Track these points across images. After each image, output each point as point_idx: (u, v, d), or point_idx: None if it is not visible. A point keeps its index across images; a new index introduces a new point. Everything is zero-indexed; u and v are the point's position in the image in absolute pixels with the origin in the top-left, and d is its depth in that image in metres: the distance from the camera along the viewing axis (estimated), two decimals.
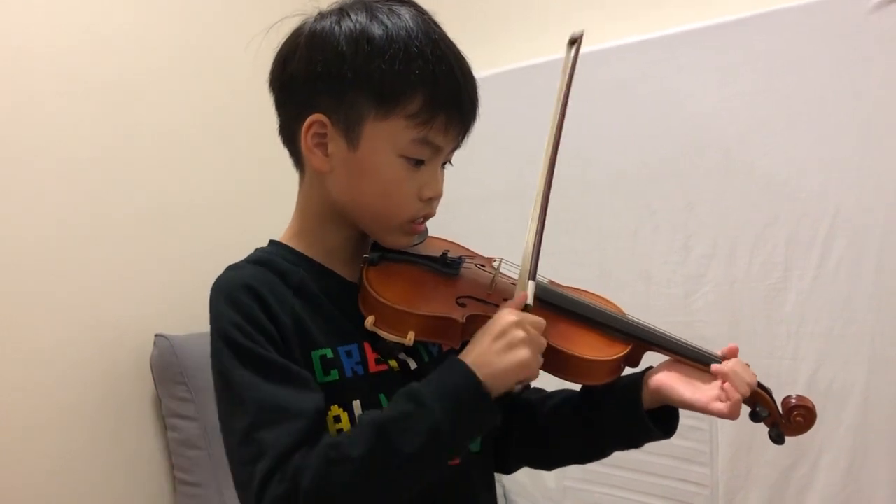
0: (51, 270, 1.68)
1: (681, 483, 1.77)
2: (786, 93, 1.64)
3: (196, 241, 1.97)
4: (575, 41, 0.90)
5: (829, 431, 1.59)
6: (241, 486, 0.75)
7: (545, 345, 0.80)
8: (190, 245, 1.95)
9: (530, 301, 0.82)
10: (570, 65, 0.89)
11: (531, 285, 0.83)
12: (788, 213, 1.64)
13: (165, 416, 1.85)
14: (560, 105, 0.89)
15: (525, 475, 1.94)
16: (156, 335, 1.84)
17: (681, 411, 0.91)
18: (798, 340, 1.64)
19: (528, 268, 0.84)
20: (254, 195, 2.11)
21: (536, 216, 0.86)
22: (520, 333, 0.77)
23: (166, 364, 1.81)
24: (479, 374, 0.75)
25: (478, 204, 2.03)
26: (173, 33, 1.96)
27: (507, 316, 0.78)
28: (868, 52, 1.54)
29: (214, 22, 2.07)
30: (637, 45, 1.83)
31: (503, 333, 0.77)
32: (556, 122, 0.88)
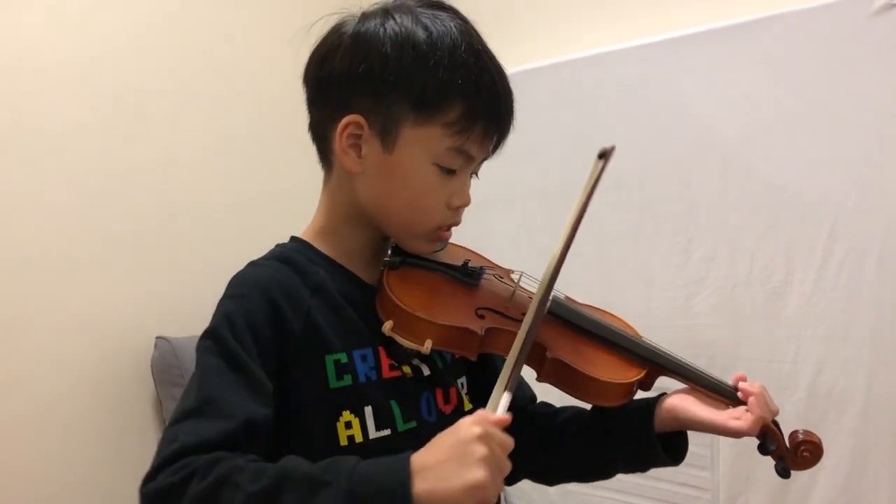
0: (52, 272, 1.68)
1: (681, 487, 1.77)
2: (787, 96, 1.64)
3: (197, 244, 1.96)
4: (605, 155, 0.84)
5: (830, 436, 1.59)
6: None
7: (508, 469, 0.67)
8: (191, 247, 1.95)
9: (504, 417, 0.69)
10: (595, 176, 0.82)
11: (506, 398, 0.71)
12: (789, 217, 1.64)
13: (166, 419, 1.85)
14: (576, 218, 0.81)
15: None
16: (156, 337, 1.84)
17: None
18: (799, 344, 1.63)
19: (505, 380, 0.73)
20: (256, 199, 2.11)
21: (526, 326, 0.78)
22: (480, 450, 0.64)
23: (167, 366, 1.81)
24: (419, 483, 0.63)
25: (479, 207, 2.02)
26: (179, 36, 1.96)
27: (470, 426, 0.66)
28: (869, 55, 1.54)
29: (220, 25, 2.07)
30: (639, 48, 1.83)
31: (461, 444, 0.65)
32: (570, 229, 0.82)
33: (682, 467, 1.73)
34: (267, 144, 2.10)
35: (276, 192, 2.07)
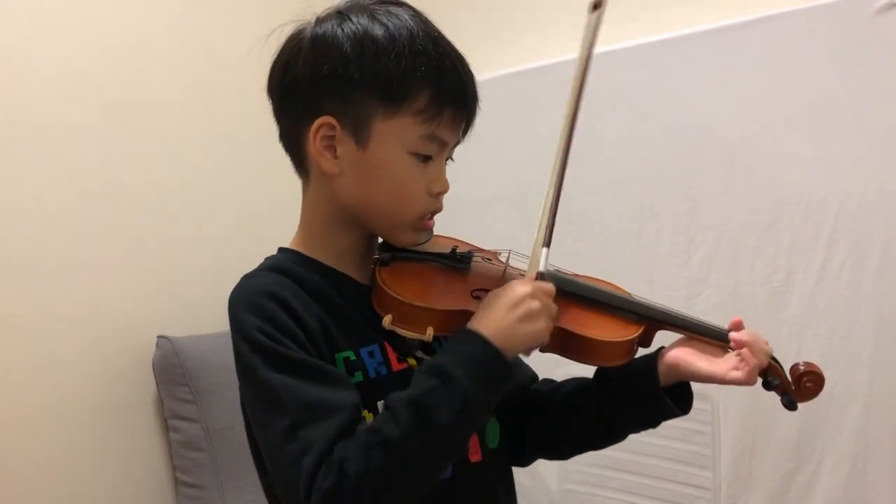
0: (53, 272, 1.68)
1: (683, 486, 1.77)
2: (789, 95, 1.64)
3: (199, 243, 1.97)
4: (599, 5, 0.88)
5: (831, 435, 1.59)
6: (288, 486, 0.74)
7: (556, 311, 0.82)
8: (193, 247, 1.95)
9: (542, 268, 0.83)
10: (592, 31, 0.88)
11: (544, 252, 0.84)
12: (791, 216, 1.64)
13: (167, 418, 1.85)
14: (581, 72, 0.89)
15: (527, 477, 1.94)
16: (158, 336, 1.84)
17: (685, 408, 0.92)
18: (801, 343, 1.63)
19: (542, 236, 0.85)
20: (257, 198, 2.11)
21: (554, 182, 0.86)
22: (535, 304, 0.79)
23: (168, 365, 1.81)
24: (496, 342, 0.76)
25: (481, 206, 2.03)
26: (177, 36, 1.97)
27: (520, 287, 0.80)
28: (872, 54, 1.54)
29: (217, 24, 2.07)
30: (641, 47, 1.83)
31: (518, 304, 0.78)
32: (575, 94, 0.88)
33: (683, 467, 1.74)
34: (269, 144, 2.10)
35: (278, 192, 2.06)
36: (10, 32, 1.64)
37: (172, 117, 1.94)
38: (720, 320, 1.72)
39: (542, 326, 0.79)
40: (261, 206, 2.09)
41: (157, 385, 1.85)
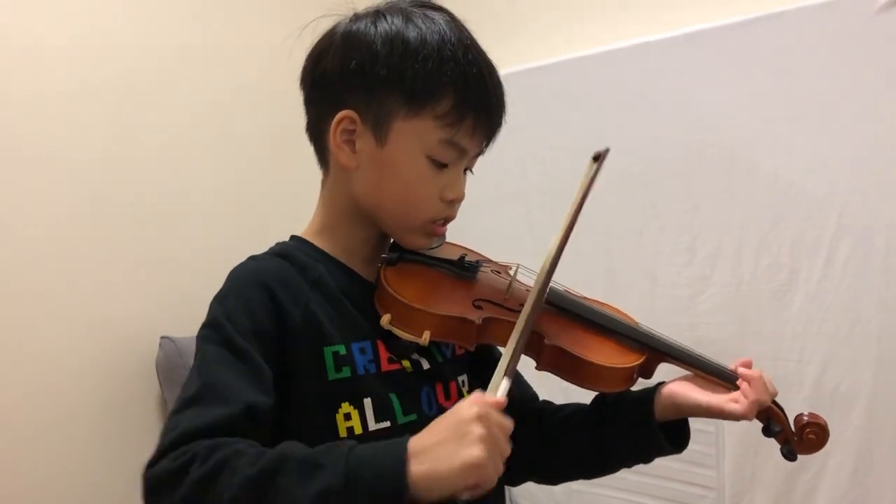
0: (55, 272, 1.68)
1: (687, 486, 1.77)
2: (792, 93, 1.63)
3: (202, 243, 1.97)
4: (599, 157, 0.89)
5: (835, 434, 1.57)
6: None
7: (508, 452, 0.67)
8: (195, 247, 1.95)
9: (502, 399, 0.70)
10: (590, 178, 0.87)
11: (505, 383, 0.72)
12: (794, 214, 1.64)
13: None
14: (571, 219, 0.85)
15: None
16: (161, 337, 1.84)
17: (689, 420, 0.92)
18: (804, 342, 1.63)
19: (507, 364, 0.74)
20: (261, 197, 2.11)
21: (527, 311, 0.80)
22: (478, 429, 0.64)
23: (172, 366, 1.81)
24: (416, 465, 0.63)
25: (483, 206, 2.02)
26: (180, 32, 1.96)
27: (469, 407, 0.66)
28: (874, 52, 1.54)
29: (220, 21, 2.07)
30: (642, 46, 1.83)
31: (459, 425, 0.65)
32: (564, 231, 0.85)
33: (687, 466, 1.74)
34: (271, 144, 2.10)
35: (281, 191, 2.07)
36: (13, 32, 1.64)
37: (177, 118, 1.94)
38: (724, 319, 1.73)
39: (477, 457, 0.63)
40: (265, 207, 2.09)
41: (161, 385, 1.84)
